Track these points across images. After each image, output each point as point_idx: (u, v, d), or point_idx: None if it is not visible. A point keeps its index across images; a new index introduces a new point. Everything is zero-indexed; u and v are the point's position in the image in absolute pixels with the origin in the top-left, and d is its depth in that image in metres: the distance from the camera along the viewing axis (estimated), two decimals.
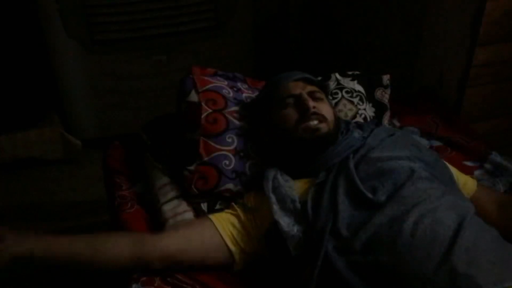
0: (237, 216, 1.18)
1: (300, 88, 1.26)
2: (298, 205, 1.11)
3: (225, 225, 1.16)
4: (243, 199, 1.23)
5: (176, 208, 1.30)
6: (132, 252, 1.11)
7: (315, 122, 1.20)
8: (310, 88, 1.27)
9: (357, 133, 1.27)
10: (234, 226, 1.16)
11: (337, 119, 1.29)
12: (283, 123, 1.23)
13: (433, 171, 1.15)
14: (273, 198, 1.14)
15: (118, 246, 1.12)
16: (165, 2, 2.35)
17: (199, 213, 1.30)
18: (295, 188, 1.16)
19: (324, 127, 1.20)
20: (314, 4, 2.72)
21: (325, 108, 1.24)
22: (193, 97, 1.36)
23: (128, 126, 2.03)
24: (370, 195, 1.07)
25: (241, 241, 1.15)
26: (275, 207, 1.12)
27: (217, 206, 1.32)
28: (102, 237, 1.15)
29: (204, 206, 1.32)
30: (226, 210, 1.22)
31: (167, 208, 1.30)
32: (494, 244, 1.00)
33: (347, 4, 2.48)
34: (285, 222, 1.11)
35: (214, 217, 1.18)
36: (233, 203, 1.23)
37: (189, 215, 1.29)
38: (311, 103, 1.21)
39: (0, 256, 1.06)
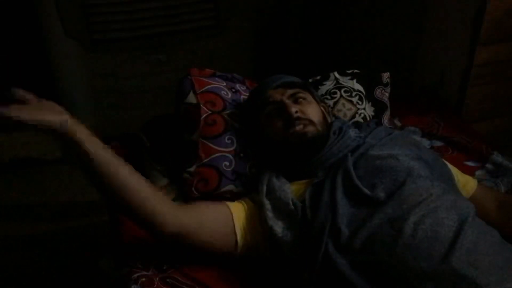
0: (248, 208, 1.17)
1: (279, 94, 1.25)
2: (292, 207, 1.10)
3: (239, 213, 1.15)
4: (252, 194, 1.22)
5: None
6: (151, 200, 1.04)
7: (301, 126, 1.19)
8: (290, 91, 1.26)
9: (353, 133, 1.26)
10: (245, 216, 1.15)
11: (326, 117, 1.28)
12: (269, 133, 1.23)
13: (432, 170, 1.14)
14: (267, 204, 1.13)
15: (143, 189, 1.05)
16: (164, 1, 2.34)
17: None
18: (292, 190, 1.16)
19: (311, 130, 1.19)
20: (314, 3, 2.72)
21: (309, 109, 1.23)
22: (192, 98, 1.35)
23: (127, 126, 2.02)
24: (368, 192, 1.06)
25: (248, 233, 1.14)
26: (269, 213, 1.12)
27: None
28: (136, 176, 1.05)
29: None
30: (239, 200, 1.20)
31: None
32: (495, 246, 0.99)
33: (347, 3, 2.48)
34: (279, 227, 1.10)
35: (230, 203, 1.17)
36: (247, 198, 1.22)
37: None
38: (293, 108, 1.20)
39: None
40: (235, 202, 1.19)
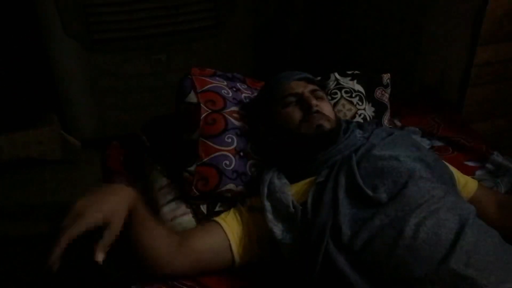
0: (243, 220, 1.16)
1: (301, 87, 1.26)
2: (292, 210, 1.10)
3: (233, 230, 1.14)
4: (251, 200, 1.22)
5: (175, 211, 1.29)
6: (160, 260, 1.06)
7: (318, 119, 1.20)
8: (311, 87, 1.28)
9: (357, 133, 1.27)
10: (241, 233, 1.14)
11: (337, 116, 1.29)
12: (285, 122, 1.23)
13: (433, 171, 1.14)
14: (267, 206, 1.13)
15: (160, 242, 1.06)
16: (164, 1, 2.34)
17: (198, 215, 1.29)
18: (293, 191, 1.16)
19: (327, 124, 1.20)
20: (314, 3, 2.72)
21: (326, 107, 1.25)
22: (192, 98, 1.35)
23: (127, 126, 2.02)
24: (370, 193, 1.06)
25: (244, 247, 1.14)
26: (269, 215, 1.12)
27: (217, 208, 1.31)
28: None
29: (203, 207, 1.31)
30: (234, 210, 1.20)
31: (166, 210, 1.29)
32: (495, 246, 0.99)
33: (347, 3, 2.48)
34: (279, 229, 1.10)
35: (223, 221, 1.15)
36: (239, 205, 1.21)
37: (188, 217, 1.28)
38: (314, 102, 1.22)
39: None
40: (230, 216, 1.18)
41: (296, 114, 1.22)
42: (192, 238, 1.11)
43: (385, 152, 1.15)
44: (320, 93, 1.28)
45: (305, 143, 1.20)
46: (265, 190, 1.16)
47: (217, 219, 1.17)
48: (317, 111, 1.21)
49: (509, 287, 0.91)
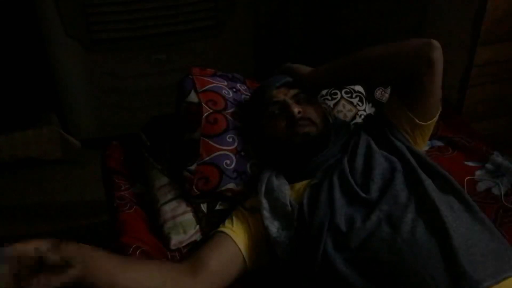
0: (249, 224, 1.16)
1: (282, 94, 1.25)
2: (289, 209, 1.11)
3: (243, 239, 1.14)
4: (250, 201, 1.22)
5: (176, 209, 1.29)
6: None
7: (303, 126, 1.20)
8: (293, 91, 1.26)
9: (348, 133, 1.27)
10: (248, 236, 1.14)
11: (327, 118, 1.28)
12: (272, 133, 1.24)
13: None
14: (264, 204, 1.14)
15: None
16: (164, 1, 2.34)
17: (198, 214, 1.29)
18: (292, 191, 1.16)
19: (313, 130, 1.20)
20: (315, 3, 2.71)
21: (312, 109, 1.24)
22: (193, 97, 1.35)
23: (127, 126, 2.02)
24: (363, 194, 1.07)
25: (254, 253, 1.14)
26: (266, 213, 1.12)
27: (217, 207, 1.31)
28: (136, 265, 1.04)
29: (203, 206, 1.31)
30: (237, 215, 1.19)
31: (167, 209, 1.29)
32: (483, 235, 1.00)
33: (347, 3, 2.48)
34: (275, 227, 1.11)
35: (231, 231, 1.14)
36: (240, 208, 1.22)
37: (189, 216, 1.28)
38: (296, 108, 1.21)
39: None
40: (236, 223, 1.17)
41: (281, 123, 1.22)
42: (205, 262, 1.07)
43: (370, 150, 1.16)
44: (303, 96, 1.26)
45: (294, 152, 1.20)
46: (263, 187, 1.16)
47: (225, 230, 1.15)
48: (301, 118, 1.20)
49: (506, 276, 0.92)
